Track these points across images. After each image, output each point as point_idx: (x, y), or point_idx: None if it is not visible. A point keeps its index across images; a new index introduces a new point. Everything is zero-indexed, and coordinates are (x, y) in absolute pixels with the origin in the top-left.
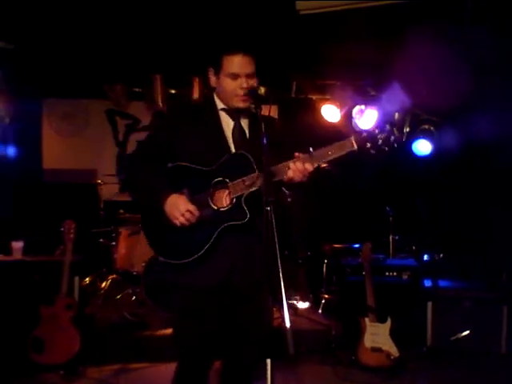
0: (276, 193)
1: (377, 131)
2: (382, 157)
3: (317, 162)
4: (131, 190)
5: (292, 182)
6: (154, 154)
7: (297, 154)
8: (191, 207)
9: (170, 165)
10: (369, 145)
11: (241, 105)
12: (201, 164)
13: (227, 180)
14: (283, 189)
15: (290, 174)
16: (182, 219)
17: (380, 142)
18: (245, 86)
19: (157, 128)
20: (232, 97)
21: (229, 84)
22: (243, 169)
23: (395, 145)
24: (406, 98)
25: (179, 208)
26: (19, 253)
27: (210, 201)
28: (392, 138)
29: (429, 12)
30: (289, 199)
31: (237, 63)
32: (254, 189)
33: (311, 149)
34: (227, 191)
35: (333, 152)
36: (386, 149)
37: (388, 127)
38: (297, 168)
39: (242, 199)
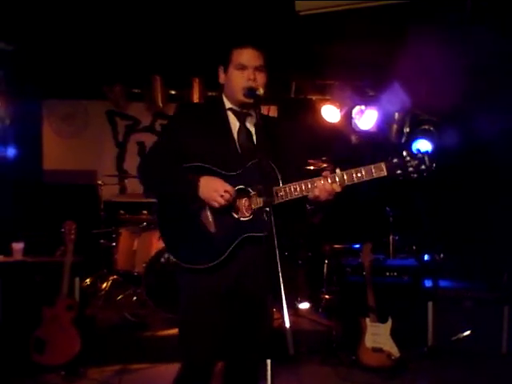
0: (301, 208)
1: (408, 158)
2: (408, 182)
3: (344, 183)
4: (154, 189)
5: (317, 200)
6: (167, 154)
7: (325, 173)
8: (228, 187)
9: (185, 165)
10: (399, 171)
11: (245, 99)
12: (216, 165)
13: (249, 189)
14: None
15: (317, 192)
16: (221, 200)
17: (411, 169)
18: (252, 77)
19: (167, 129)
20: (238, 90)
21: (236, 76)
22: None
23: (425, 174)
24: (406, 98)
25: (218, 190)
26: (20, 254)
27: (231, 209)
28: (423, 166)
29: (428, 12)
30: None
31: (245, 55)
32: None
33: (338, 169)
34: (248, 201)
35: (362, 175)
36: (415, 176)
37: (420, 155)
38: (324, 188)
39: (263, 211)
